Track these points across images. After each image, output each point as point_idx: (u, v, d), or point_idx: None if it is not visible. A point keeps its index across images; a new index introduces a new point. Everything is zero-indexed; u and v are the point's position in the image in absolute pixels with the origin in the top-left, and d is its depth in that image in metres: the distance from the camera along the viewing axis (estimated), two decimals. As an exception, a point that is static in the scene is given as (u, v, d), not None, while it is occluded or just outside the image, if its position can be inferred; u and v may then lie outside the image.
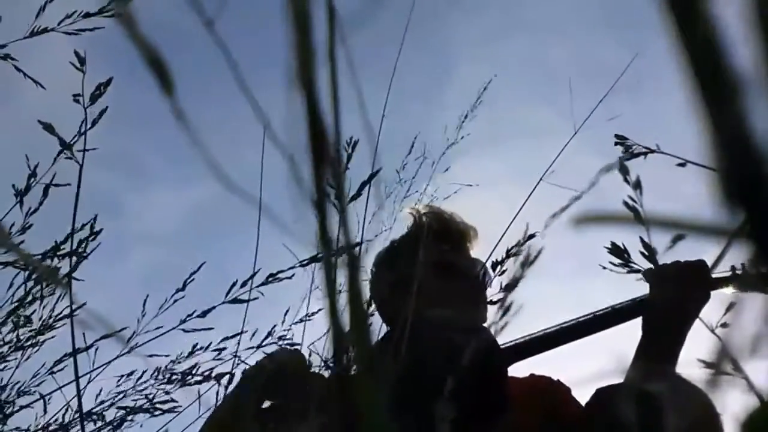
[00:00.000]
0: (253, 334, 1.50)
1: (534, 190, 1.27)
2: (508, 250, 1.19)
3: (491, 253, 1.23)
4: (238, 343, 1.44)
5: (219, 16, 0.21)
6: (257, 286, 1.35)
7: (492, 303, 1.13)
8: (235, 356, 1.45)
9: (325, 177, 0.21)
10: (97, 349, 1.43)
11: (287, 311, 1.55)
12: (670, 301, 0.98)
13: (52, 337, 1.48)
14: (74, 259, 1.29)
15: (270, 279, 1.35)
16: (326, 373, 1.03)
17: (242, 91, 0.22)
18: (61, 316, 1.46)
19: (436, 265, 1.14)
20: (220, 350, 1.51)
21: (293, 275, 1.33)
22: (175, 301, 1.49)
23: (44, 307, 1.44)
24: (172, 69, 0.20)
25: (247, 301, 1.35)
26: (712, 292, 0.99)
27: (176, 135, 0.21)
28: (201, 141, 0.21)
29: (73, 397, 1.46)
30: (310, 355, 1.05)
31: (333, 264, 0.21)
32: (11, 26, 1.16)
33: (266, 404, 0.98)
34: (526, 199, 1.28)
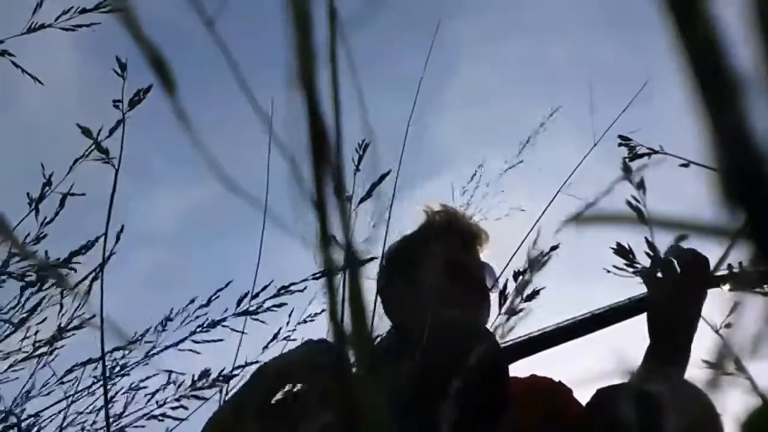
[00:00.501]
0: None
1: (552, 201, 1.27)
2: (530, 261, 1.19)
3: (509, 261, 1.23)
4: (239, 345, 1.44)
5: (219, 16, 0.21)
6: (268, 299, 1.35)
7: (514, 312, 1.13)
8: (242, 366, 1.45)
9: (326, 177, 0.21)
10: (113, 359, 1.43)
11: (291, 312, 1.55)
12: (668, 300, 0.98)
13: (62, 347, 1.48)
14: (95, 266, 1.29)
15: (282, 291, 1.35)
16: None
17: (243, 91, 0.22)
18: (72, 326, 1.46)
19: (445, 264, 1.14)
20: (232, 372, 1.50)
21: (305, 288, 1.33)
22: (198, 317, 1.49)
23: (63, 315, 1.44)
24: (174, 69, 0.20)
25: (257, 312, 1.35)
26: (712, 291, 0.99)
27: (177, 135, 0.21)
28: (202, 141, 0.21)
29: (69, 404, 1.46)
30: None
31: (333, 264, 0.21)
32: (8, 23, 1.16)
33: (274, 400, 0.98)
34: (544, 210, 1.28)
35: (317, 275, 1.27)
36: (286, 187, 0.21)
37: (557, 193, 1.28)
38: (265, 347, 1.54)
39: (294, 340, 1.52)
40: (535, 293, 0.97)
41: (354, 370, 0.21)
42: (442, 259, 1.15)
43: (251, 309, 1.36)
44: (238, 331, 1.42)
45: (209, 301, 1.49)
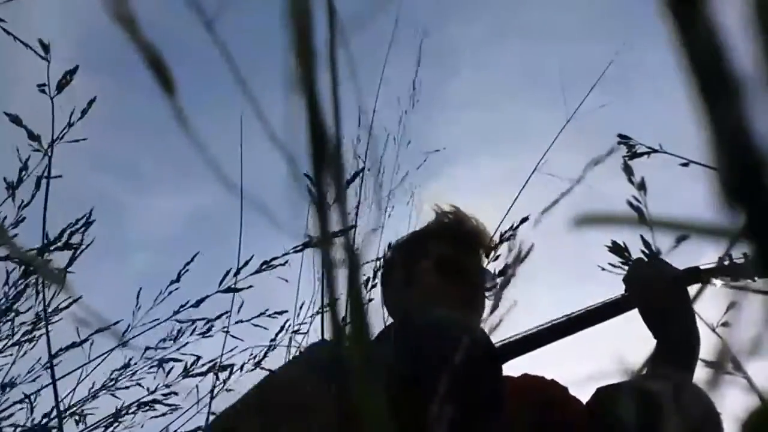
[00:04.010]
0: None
1: (527, 181, 1.27)
2: (501, 235, 1.21)
3: (494, 258, 1.24)
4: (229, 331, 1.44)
5: (219, 17, 0.21)
6: (251, 274, 1.35)
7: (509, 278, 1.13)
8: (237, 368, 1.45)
9: (326, 178, 0.21)
10: (92, 343, 1.43)
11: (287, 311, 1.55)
12: (647, 297, 1.00)
13: (49, 331, 1.48)
14: (70, 252, 1.30)
15: (264, 267, 1.35)
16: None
17: (242, 93, 0.22)
18: (55, 310, 1.46)
19: (442, 263, 1.15)
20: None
21: (287, 262, 1.34)
22: (170, 293, 1.51)
23: (39, 302, 1.44)
24: (173, 69, 0.20)
25: (240, 289, 1.36)
26: (706, 289, 0.99)
27: (177, 139, 0.21)
28: (201, 141, 0.21)
29: (67, 394, 1.47)
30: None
31: (332, 263, 0.21)
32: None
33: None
34: (520, 191, 1.29)
35: (298, 248, 1.28)
36: (284, 187, 0.21)
37: (533, 172, 1.29)
38: (270, 348, 1.54)
39: (302, 332, 1.51)
40: (527, 254, 0.98)
41: (352, 368, 0.21)
42: (440, 258, 1.15)
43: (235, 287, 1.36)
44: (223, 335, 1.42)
45: (179, 276, 1.50)
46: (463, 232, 1.21)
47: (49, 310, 1.43)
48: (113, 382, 1.56)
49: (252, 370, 1.48)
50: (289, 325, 1.52)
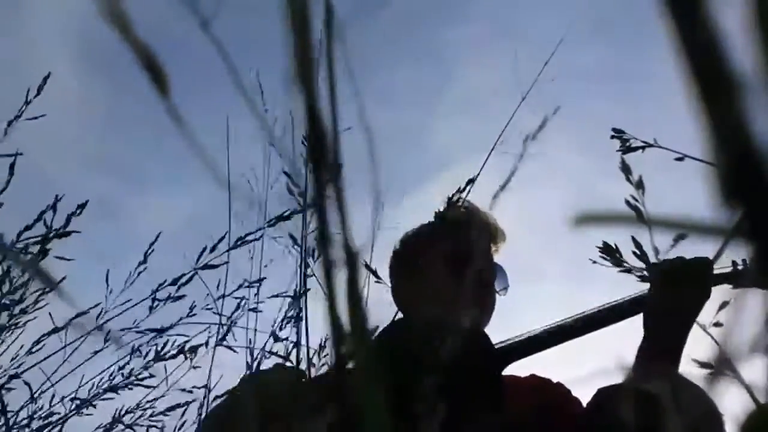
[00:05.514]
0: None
1: (487, 159, 1.28)
2: (448, 198, 1.24)
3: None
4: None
5: (215, 17, 0.21)
6: (227, 251, 1.39)
7: None
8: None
9: (325, 177, 0.21)
10: (66, 331, 1.46)
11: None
12: (669, 301, 0.97)
13: (34, 318, 1.51)
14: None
15: (239, 243, 1.39)
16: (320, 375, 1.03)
17: (240, 92, 0.22)
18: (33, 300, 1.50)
19: (451, 258, 1.14)
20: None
21: (261, 236, 1.37)
22: (139, 273, 1.55)
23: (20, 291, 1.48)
24: (168, 69, 0.20)
25: (216, 266, 1.40)
26: (712, 289, 0.98)
27: (174, 140, 0.21)
28: (197, 141, 0.21)
29: (57, 381, 1.50)
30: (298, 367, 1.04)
31: (332, 263, 0.21)
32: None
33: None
34: (481, 169, 1.30)
35: (272, 221, 1.31)
36: (283, 187, 0.21)
37: (491, 151, 1.29)
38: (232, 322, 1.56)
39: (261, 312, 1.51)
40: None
41: (352, 367, 0.21)
42: (449, 253, 1.14)
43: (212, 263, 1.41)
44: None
45: (145, 257, 1.54)
46: (473, 227, 1.20)
47: (30, 298, 1.47)
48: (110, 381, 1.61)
49: (215, 346, 1.50)
50: (245, 303, 1.53)
